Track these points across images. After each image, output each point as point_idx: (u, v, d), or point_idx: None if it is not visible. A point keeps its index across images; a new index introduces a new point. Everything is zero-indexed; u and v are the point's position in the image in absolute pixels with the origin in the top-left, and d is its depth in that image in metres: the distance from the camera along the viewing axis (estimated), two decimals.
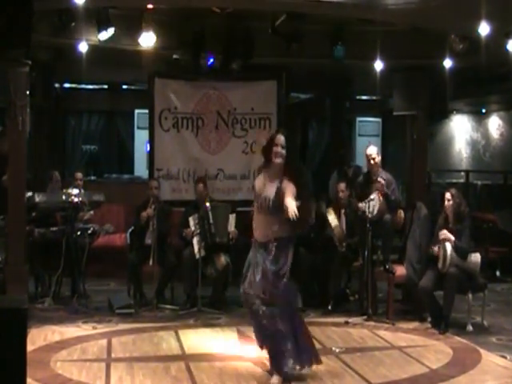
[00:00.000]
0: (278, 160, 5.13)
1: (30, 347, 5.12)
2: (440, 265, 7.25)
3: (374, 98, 14.41)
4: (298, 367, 5.38)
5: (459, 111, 14.81)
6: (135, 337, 6.90)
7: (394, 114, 10.35)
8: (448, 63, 9.06)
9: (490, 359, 6.28)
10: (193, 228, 8.06)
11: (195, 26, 8.79)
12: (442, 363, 6.15)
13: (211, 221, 8.03)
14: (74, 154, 14.59)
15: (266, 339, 5.41)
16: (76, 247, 7.91)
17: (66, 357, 6.15)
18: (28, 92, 7.54)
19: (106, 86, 13.82)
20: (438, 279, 7.26)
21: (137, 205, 8.56)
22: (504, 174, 13.01)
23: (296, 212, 4.86)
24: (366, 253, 7.61)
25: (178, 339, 6.84)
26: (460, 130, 15.19)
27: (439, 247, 7.23)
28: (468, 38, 8.23)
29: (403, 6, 7.15)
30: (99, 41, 8.38)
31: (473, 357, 6.34)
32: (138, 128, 13.99)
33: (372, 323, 7.51)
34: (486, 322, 7.51)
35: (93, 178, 12.29)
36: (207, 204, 8.09)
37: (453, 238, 7.17)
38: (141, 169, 13.06)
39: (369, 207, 7.57)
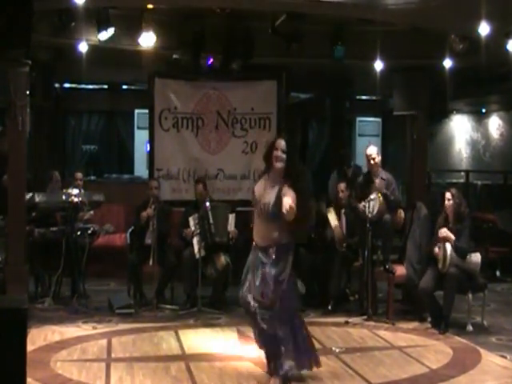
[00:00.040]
0: (279, 165, 5.11)
1: (29, 347, 5.12)
2: (440, 265, 7.25)
3: (374, 98, 14.43)
4: (296, 370, 5.36)
5: (459, 111, 14.82)
6: (135, 337, 6.90)
7: (394, 114, 10.36)
8: (448, 63, 9.06)
9: (490, 359, 6.28)
10: (193, 228, 8.06)
11: (195, 26, 8.79)
12: (442, 363, 6.15)
13: (211, 221, 8.03)
14: (74, 154, 14.60)
15: (264, 342, 5.39)
16: (76, 247, 7.91)
17: (65, 357, 6.15)
18: (28, 92, 7.54)
19: (106, 86, 13.84)
20: (438, 279, 7.26)
21: (137, 205, 8.56)
22: (504, 174, 13.02)
23: (292, 207, 4.85)
24: (366, 253, 7.61)
25: (178, 339, 6.84)
26: (460, 130, 15.19)
27: (439, 247, 7.23)
28: (468, 38, 8.23)
29: (403, 6, 7.16)
30: (99, 41, 8.38)
31: (473, 357, 6.34)
32: (138, 128, 14.00)
33: (372, 323, 7.51)
34: (485, 322, 7.51)
35: (93, 177, 12.29)
36: (207, 204, 8.09)
37: (453, 236, 7.17)
38: (141, 169, 13.07)
39: (369, 207, 7.58)
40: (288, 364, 5.25)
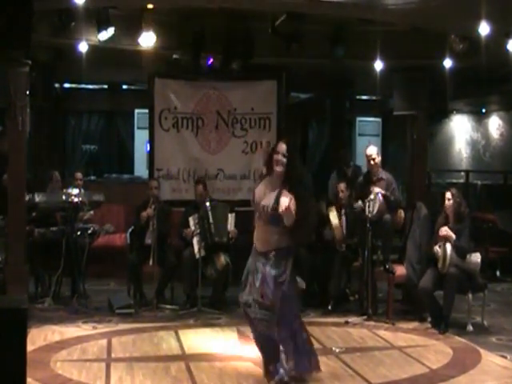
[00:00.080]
0: (279, 168, 5.11)
1: (29, 347, 5.12)
2: (440, 265, 7.25)
3: (374, 98, 14.43)
4: (295, 372, 5.34)
5: (459, 111, 14.82)
6: (135, 337, 6.89)
7: (394, 113, 10.35)
8: (448, 63, 9.06)
9: (490, 359, 6.28)
10: (193, 228, 8.07)
11: (195, 26, 8.79)
12: (442, 363, 6.15)
13: (211, 220, 8.03)
14: (74, 154, 14.60)
15: (262, 344, 5.38)
16: (76, 247, 7.90)
17: (65, 357, 6.15)
18: (28, 92, 7.53)
19: (106, 86, 13.84)
20: (437, 279, 7.26)
21: (137, 205, 8.56)
22: (504, 174, 13.02)
23: (289, 208, 4.84)
24: (366, 253, 7.61)
25: (178, 339, 6.84)
26: (460, 130, 15.20)
27: (440, 246, 7.23)
28: (468, 38, 8.23)
29: (403, 6, 7.15)
30: (99, 41, 8.38)
31: (473, 357, 6.34)
32: (138, 128, 14.00)
33: (372, 323, 7.51)
34: (486, 322, 7.51)
35: (93, 178, 12.28)
36: (207, 204, 8.09)
37: (453, 235, 7.17)
38: (141, 169, 13.07)
39: (369, 207, 7.58)
40: (284, 369, 5.22)
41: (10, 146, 7.67)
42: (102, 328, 7.13)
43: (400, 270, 7.90)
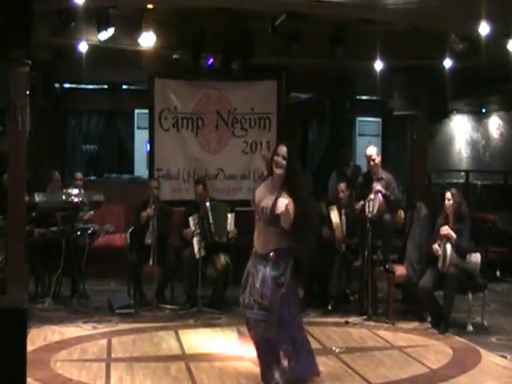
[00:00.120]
0: (279, 171, 5.12)
1: (29, 347, 5.12)
2: (440, 265, 7.25)
3: (374, 98, 14.42)
4: (292, 377, 5.31)
5: (459, 111, 14.81)
6: (135, 337, 6.90)
7: (394, 113, 10.35)
8: (448, 63, 9.05)
9: (490, 359, 6.28)
10: (193, 228, 8.07)
11: (195, 26, 8.78)
12: (442, 363, 6.16)
13: (211, 220, 8.03)
14: (74, 154, 14.60)
15: (259, 346, 5.35)
16: (76, 247, 7.91)
17: (65, 357, 6.16)
18: (28, 92, 7.54)
19: (106, 86, 13.83)
20: (437, 279, 7.26)
21: (137, 205, 8.56)
22: (504, 174, 13.01)
23: (286, 208, 4.84)
24: (366, 253, 7.61)
25: (178, 339, 6.84)
26: (460, 130, 15.19)
27: (439, 244, 7.24)
28: (468, 38, 8.23)
29: (403, 6, 7.15)
30: (99, 41, 8.37)
31: (473, 357, 6.35)
32: (138, 128, 13.99)
33: (372, 323, 7.51)
34: (486, 322, 7.51)
35: (93, 178, 12.28)
36: (207, 204, 8.10)
37: (454, 234, 7.17)
38: (141, 169, 13.07)
39: (369, 207, 7.58)
40: (281, 372, 5.20)
41: (10, 146, 7.67)
42: (102, 328, 7.13)
43: (400, 270, 7.90)
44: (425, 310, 7.61)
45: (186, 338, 6.86)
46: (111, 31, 8.22)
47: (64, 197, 7.83)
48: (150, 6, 8.13)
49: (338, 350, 6.48)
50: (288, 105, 10.41)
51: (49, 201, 7.89)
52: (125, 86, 13.73)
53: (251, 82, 9.71)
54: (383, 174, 8.09)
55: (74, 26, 8.13)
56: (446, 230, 7.22)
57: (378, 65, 9.15)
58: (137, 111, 13.92)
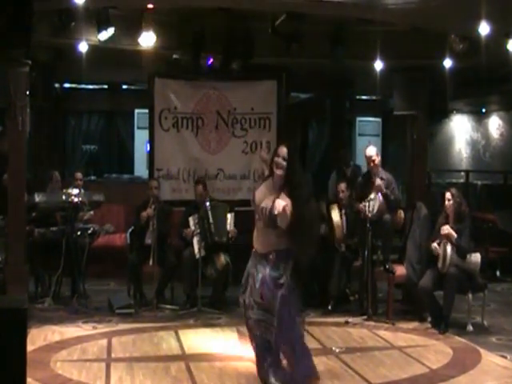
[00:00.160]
0: (279, 171, 5.12)
1: (29, 347, 5.12)
2: (440, 265, 7.25)
3: (374, 98, 14.42)
4: (291, 378, 5.30)
5: (459, 111, 14.81)
6: (135, 337, 6.90)
7: (394, 113, 10.35)
8: (448, 63, 9.06)
9: (490, 359, 6.28)
10: (193, 228, 8.07)
11: (195, 26, 8.78)
12: (442, 363, 6.16)
13: (211, 220, 8.04)
14: (74, 154, 14.60)
15: (257, 347, 5.34)
16: (76, 247, 7.91)
17: (65, 357, 6.16)
18: (28, 92, 7.53)
19: (106, 86, 13.82)
20: (438, 279, 7.26)
21: (137, 205, 8.56)
22: (504, 174, 13.01)
23: (283, 209, 4.84)
24: (366, 253, 7.62)
25: (178, 339, 6.84)
26: (460, 130, 15.19)
27: (439, 244, 7.23)
28: (468, 38, 8.22)
29: (403, 6, 7.15)
30: (99, 41, 8.37)
31: (473, 357, 6.35)
32: (138, 128, 13.99)
33: (372, 323, 7.51)
34: (486, 322, 7.51)
35: (93, 177, 12.28)
36: (207, 203, 8.10)
37: (455, 234, 7.17)
38: (141, 169, 13.07)
39: (369, 207, 7.58)
40: (279, 373, 5.19)
41: (10, 146, 7.67)
42: (102, 328, 7.13)
43: (400, 270, 7.90)
44: (425, 310, 7.61)
45: (186, 338, 6.86)
46: (111, 31, 8.22)
47: (64, 197, 7.83)
48: (150, 6, 8.13)
49: (338, 350, 6.48)
50: (288, 105, 10.40)
51: (49, 201, 7.89)
52: (125, 86, 13.73)
53: (251, 81, 9.71)
54: (383, 174, 8.09)
55: (73, 25, 8.13)
56: (447, 229, 7.22)
57: (378, 65, 9.15)
58: (137, 111, 13.92)
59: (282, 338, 5.13)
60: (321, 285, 8.44)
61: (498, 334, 7.20)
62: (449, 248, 7.18)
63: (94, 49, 8.72)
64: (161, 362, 6.06)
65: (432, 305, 7.35)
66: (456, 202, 7.33)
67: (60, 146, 13.18)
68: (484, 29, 7.27)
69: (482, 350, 6.53)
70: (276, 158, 5.15)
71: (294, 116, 12.45)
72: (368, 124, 15.63)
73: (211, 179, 9.34)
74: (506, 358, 6.34)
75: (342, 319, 7.63)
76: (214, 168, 9.57)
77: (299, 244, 5.08)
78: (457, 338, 6.97)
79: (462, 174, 14.26)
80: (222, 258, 8.06)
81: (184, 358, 6.25)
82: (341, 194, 8.44)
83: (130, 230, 8.58)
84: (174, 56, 9.15)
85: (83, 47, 8.63)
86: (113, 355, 6.28)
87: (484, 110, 14.42)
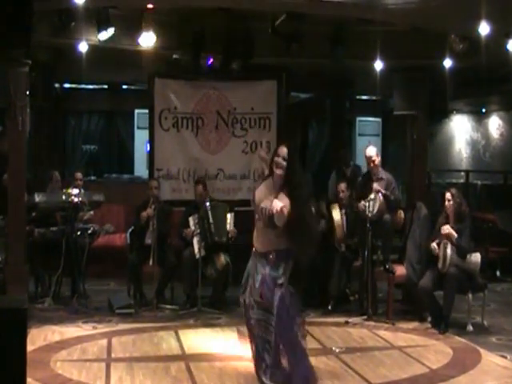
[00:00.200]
0: (279, 171, 5.13)
1: (29, 347, 5.12)
2: (440, 265, 7.25)
3: (374, 98, 14.42)
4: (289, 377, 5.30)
5: (459, 111, 14.81)
6: (135, 337, 6.90)
7: (394, 113, 10.35)
8: (448, 63, 9.06)
9: (490, 359, 6.29)
10: (193, 228, 8.07)
11: (195, 26, 8.78)
12: (442, 363, 6.16)
13: (211, 220, 8.03)
14: (74, 154, 14.60)
15: (256, 347, 5.33)
16: (76, 247, 7.91)
17: (65, 357, 6.16)
18: (28, 92, 7.53)
19: (106, 86, 13.83)
20: (438, 279, 7.26)
21: (137, 205, 8.56)
22: (504, 174, 13.01)
23: (281, 209, 4.84)
24: (366, 253, 7.61)
25: (178, 339, 6.84)
26: (460, 130, 15.19)
27: (439, 243, 7.23)
28: (468, 38, 8.23)
29: (403, 6, 7.15)
30: (99, 41, 8.37)
31: (473, 357, 6.35)
32: (138, 128, 13.99)
33: (372, 323, 7.51)
34: (486, 322, 7.51)
35: (93, 178, 12.28)
36: (207, 203, 8.10)
37: (455, 233, 7.17)
38: (141, 169, 13.07)
39: (369, 207, 7.58)
40: (273, 377, 5.18)
41: (10, 146, 7.66)
42: (102, 328, 7.13)
43: (400, 270, 7.90)
44: (425, 310, 7.61)
45: (186, 338, 6.86)
46: (111, 31, 8.22)
47: (64, 197, 7.83)
48: (150, 6, 8.12)
49: (338, 350, 6.48)
50: (288, 105, 10.40)
51: (49, 201, 7.89)
52: (125, 86, 13.73)
53: (251, 82, 9.71)
54: (383, 174, 8.09)
55: (73, 25, 8.13)
56: (447, 229, 7.22)
57: (378, 65, 9.16)
58: (137, 111, 13.92)
59: (282, 337, 5.13)
60: (321, 285, 8.44)
61: (498, 334, 7.20)
62: (449, 248, 7.18)
63: (93, 49, 8.72)
64: (161, 362, 6.06)
65: (432, 305, 7.35)
66: (456, 202, 7.33)
67: (60, 146, 13.17)
68: (484, 29, 7.27)
69: (482, 350, 6.53)
70: (276, 158, 5.15)
71: (294, 116, 12.45)
72: (368, 124, 15.63)
73: (211, 179, 9.34)
74: (506, 358, 6.34)
75: (342, 319, 7.63)
76: (214, 168, 9.57)
77: (299, 244, 5.09)
78: (457, 338, 6.97)
79: (462, 173, 14.26)
80: (222, 258, 8.06)
81: (184, 358, 6.25)
82: (341, 194, 8.44)
83: (130, 230, 8.58)
84: (174, 56, 9.15)
85: (83, 47, 8.63)
86: (113, 355, 6.28)
87: (484, 110, 14.42)
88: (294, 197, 5.03)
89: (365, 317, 7.60)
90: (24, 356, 3.90)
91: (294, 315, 5.20)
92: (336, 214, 8.22)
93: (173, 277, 8.29)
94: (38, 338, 6.64)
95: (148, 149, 10.08)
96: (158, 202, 8.20)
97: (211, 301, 8.09)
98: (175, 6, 8.42)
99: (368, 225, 7.55)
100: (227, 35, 8.94)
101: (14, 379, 3.85)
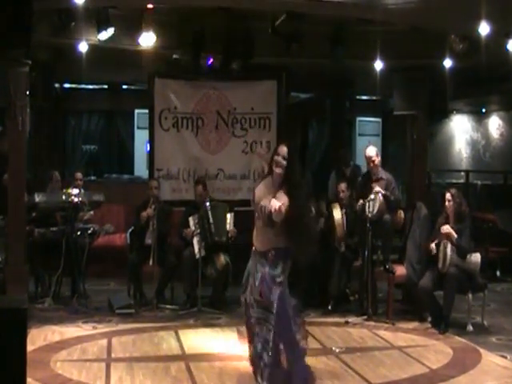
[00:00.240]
0: (278, 170, 5.14)
1: (29, 347, 5.11)
2: (440, 265, 7.25)
3: (374, 98, 14.42)
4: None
5: (459, 111, 14.80)
6: (135, 337, 6.90)
7: (394, 113, 10.35)
8: (448, 63, 9.06)
9: (490, 359, 6.29)
10: (193, 228, 8.07)
11: (195, 26, 8.78)
12: (442, 363, 6.16)
13: (211, 220, 8.03)
14: (74, 154, 14.59)
15: (255, 347, 5.32)
16: (76, 247, 7.91)
17: (65, 357, 6.16)
18: (28, 92, 7.53)
19: (106, 86, 13.82)
20: (437, 279, 7.26)
21: (137, 205, 8.56)
22: (504, 174, 13.01)
23: (279, 208, 4.85)
24: (366, 253, 7.61)
25: (178, 339, 6.84)
26: (460, 130, 15.18)
27: (439, 243, 7.23)
28: (468, 38, 8.23)
29: (403, 6, 7.15)
30: (99, 41, 8.37)
31: (473, 357, 6.35)
32: (138, 128, 13.99)
33: (372, 323, 7.51)
34: (486, 322, 7.51)
35: (93, 178, 12.28)
36: (207, 203, 8.10)
37: (455, 233, 7.16)
38: (141, 169, 13.07)
39: (369, 207, 7.58)
40: (271, 378, 5.18)
41: (10, 146, 7.67)
42: (102, 328, 7.13)
43: (400, 270, 7.90)
44: (425, 310, 7.61)
45: (186, 338, 6.86)
46: (111, 31, 8.21)
47: (64, 197, 7.83)
48: (150, 6, 8.12)
49: (338, 350, 6.48)
50: (288, 105, 10.41)
51: (49, 201, 7.89)
52: (125, 86, 13.73)
53: (251, 81, 9.71)
54: (383, 174, 8.09)
55: (73, 25, 8.13)
56: (447, 228, 7.22)
57: (378, 65, 9.16)
58: (137, 111, 13.92)
59: (281, 337, 5.13)
60: (321, 285, 8.44)
61: (498, 334, 7.20)
62: (449, 248, 7.18)
63: (93, 49, 8.72)
64: (161, 362, 6.06)
65: (432, 305, 7.35)
66: (456, 202, 7.33)
67: (60, 146, 13.18)
68: (484, 29, 7.27)
69: (482, 350, 6.53)
70: (276, 157, 5.16)
71: (294, 116, 12.44)
72: (368, 124, 15.63)
73: (211, 179, 9.34)
74: (506, 358, 6.34)
75: (342, 319, 7.63)
76: (214, 168, 9.57)
77: (297, 243, 5.09)
78: (457, 338, 6.98)
79: (462, 173, 14.25)
80: (222, 258, 8.06)
81: (184, 358, 6.25)
82: (341, 194, 8.44)
83: (130, 230, 8.59)
84: (174, 56, 9.15)
85: (83, 47, 8.63)
86: (113, 355, 6.28)
87: (484, 110, 14.41)
88: (293, 196, 5.04)
89: (365, 317, 7.60)
90: (24, 356, 3.90)
91: (293, 315, 5.20)
92: (337, 213, 8.22)
93: (173, 277, 8.29)
94: (38, 338, 6.64)
95: (148, 149, 10.08)
96: (158, 202, 8.20)
97: (211, 301, 8.09)
98: (175, 5, 8.43)
99: (368, 225, 7.55)
100: (227, 35, 8.94)
101: (13, 379, 3.85)
